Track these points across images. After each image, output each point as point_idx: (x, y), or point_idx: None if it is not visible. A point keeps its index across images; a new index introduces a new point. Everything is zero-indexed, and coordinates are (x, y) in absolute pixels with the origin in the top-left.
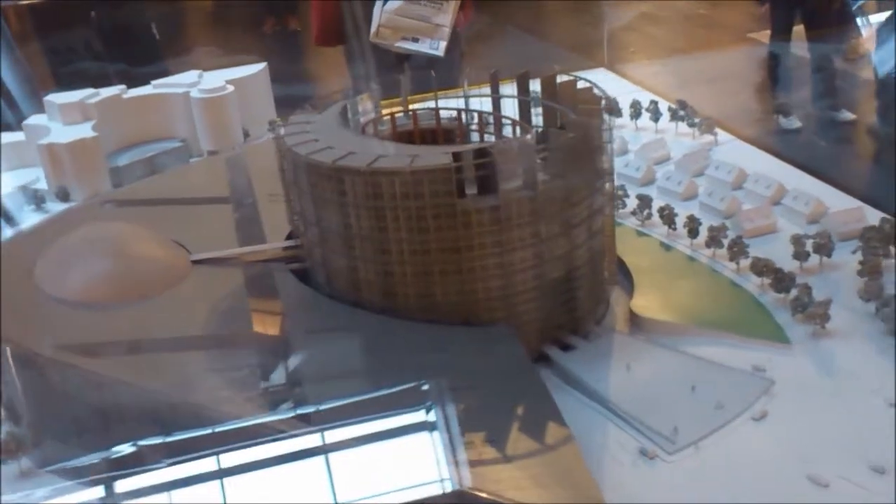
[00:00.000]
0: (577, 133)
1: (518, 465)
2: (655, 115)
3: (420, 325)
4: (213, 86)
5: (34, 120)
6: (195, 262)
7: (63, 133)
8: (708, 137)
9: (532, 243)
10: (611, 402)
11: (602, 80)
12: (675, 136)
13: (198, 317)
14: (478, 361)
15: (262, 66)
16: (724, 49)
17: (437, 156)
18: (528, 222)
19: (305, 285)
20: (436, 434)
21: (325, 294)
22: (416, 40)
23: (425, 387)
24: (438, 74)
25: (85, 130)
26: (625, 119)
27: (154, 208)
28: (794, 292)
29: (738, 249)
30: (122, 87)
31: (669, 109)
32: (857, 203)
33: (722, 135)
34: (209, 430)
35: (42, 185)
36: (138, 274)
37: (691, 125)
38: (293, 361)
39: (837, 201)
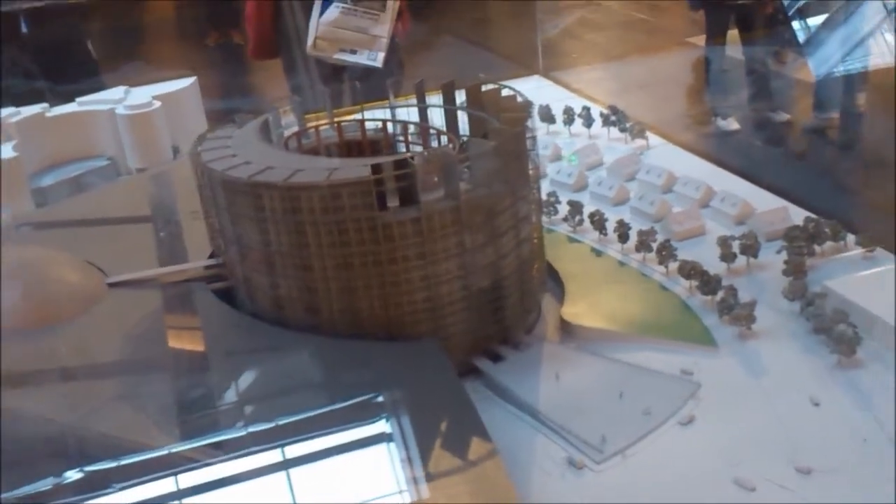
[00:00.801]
0: (499, 141)
1: (441, 482)
2: (588, 121)
3: (344, 342)
4: (139, 101)
5: None
6: (111, 285)
7: None
8: (640, 142)
9: (456, 254)
10: (539, 413)
11: (536, 87)
12: (607, 141)
13: (112, 342)
14: (403, 377)
15: (191, 80)
16: (662, 54)
17: (356, 168)
18: (451, 233)
19: (227, 304)
20: (392, 446)
21: (248, 313)
22: (353, 52)
23: (379, 399)
24: (378, 85)
25: (6, 151)
26: (558, 125)
27: (74, 230)
28: (720, 294)
29: (666, 253)
30: (45, 105)
31: (601, 115)
32: (782, 203)
33: (654, 139)
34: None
35: None
36: (48, 299)
37: (622, 130)
38: (211, 384)
39: (765, 202)
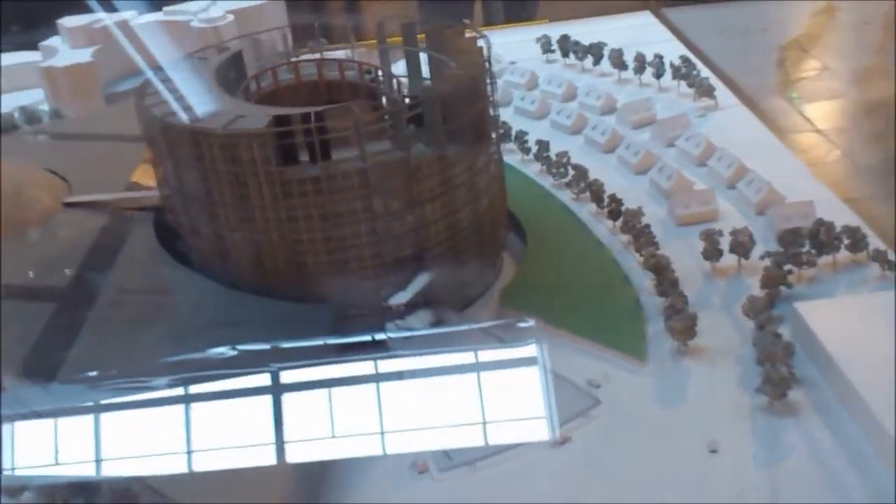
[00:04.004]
0: (449, 87)
1: None
2: (659, 72)
3: (236, 295)
4: (212, 15)
5: (51, 41)
6: (68, 205)
7: (65, 57)
8: (706, 101)
9: (365, 219)
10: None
11: (640, 25)
12: (676, 96)
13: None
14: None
15: None
16: None
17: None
18: (358, 196)
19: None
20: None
21: (174, 250)
22: None
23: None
24: (515, 6)
25: (84, 55)
26: (629, 73)
27: (93, 143)
28: (667, 300)
29: (644, 240)
30: (134, 12)
31: (671, 66)
32: (824, 196)
33: (729, 99)
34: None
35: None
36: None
37: (690, 86)
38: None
39: (805, 193)
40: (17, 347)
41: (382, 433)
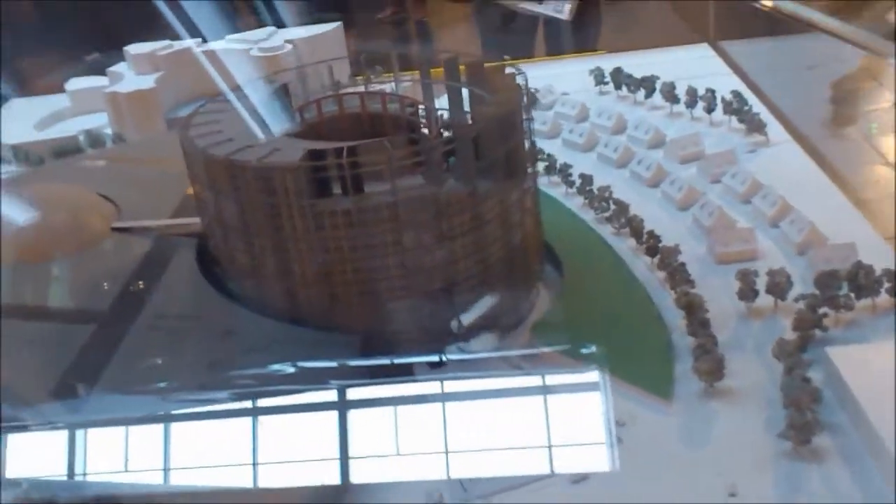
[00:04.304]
0: (480, 124)
1: None
2: (710, 106)
3: (268, 323)
4: (271, 45)
5: (118, 67)
6: (115, 230)
7: (129, 82)
8: (757, 137)
9: (395, 252)
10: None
11: (697, 58)
12: (727, 130)
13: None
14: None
15: (335, 25)
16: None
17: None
18: (388, 229)
19: (202, 267)
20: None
21: (214, 277)
22: (540, 1)
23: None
24: (576, 37)
25: (147, 82)
26: (680, 107)
27: (147, 168)
28: (696, 340)
29: (679, 278)
30: (198, 40)
31: (723, 100)
32: (869, 238)
33: (780, 134)
34: None
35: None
36: (43, 237)
37: (741, 121)
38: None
39: (850, 235)
40: (53, 368)
41: (446, 453)
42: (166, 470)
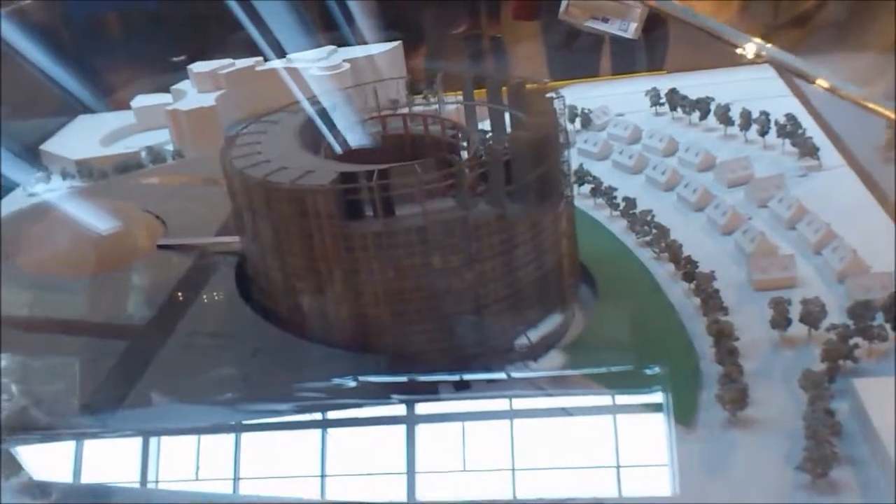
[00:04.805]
0: (513, 147)
1: None
2: (764, 129)
3: (299, 343)
4: (330, 63)
5: (181, 85)
6: (161, 247)
7: (191, 100)
8: (809, 161)
9: (425, 273)
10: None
11: (758, 78)
12: (781, 154)
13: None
14: None
15: (394, 44)
16: None
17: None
18: (418, 252)
19: (239, 285)
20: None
21: (250, 296)
22: (605, 20)
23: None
24: (642, 56)
25: (208, 100)
26: (734, 129)
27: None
28: (722, 368)
29: (712, 304)
30: (259, 59)
31: (776, 124)
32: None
33: (834, 159)
34: None
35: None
36: (87, 252)
37: (794, 145)
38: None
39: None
40: (87, 381)
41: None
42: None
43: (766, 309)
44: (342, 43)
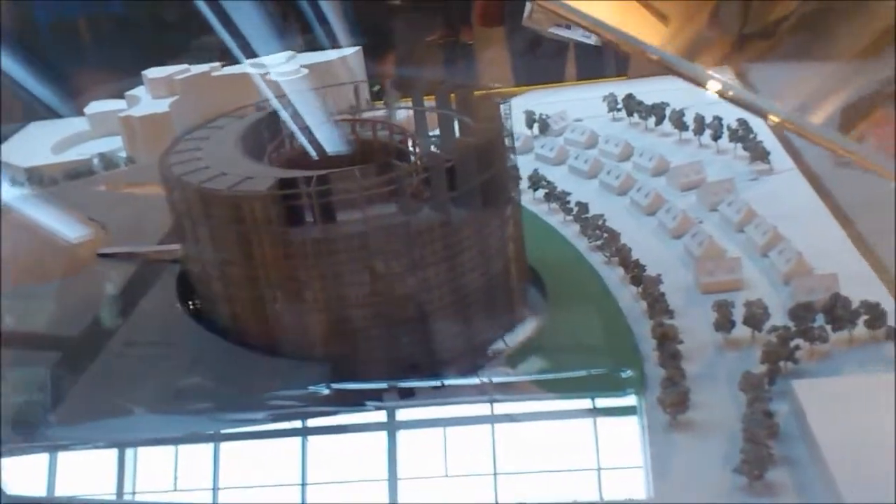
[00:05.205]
0: (459, 153)
1: None
2: (717, 133)
3: (238, 351)
4: (287, 69)
5: (136, 91)
6: (102, 255)
7: (145, 106)
8: (760, 166)
9: (365, 281)
10: None
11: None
12: (733, 158)
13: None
14: None
15: (354, 49)
16: None
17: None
18: (357, 258)
19: (181, 294)
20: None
21: (190, 304)
22: (568, 26)
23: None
24: (605, 62)
25: (161, 105)
26: (689, 134)
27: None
28: (665, 371)
29: (659, 308)
30: (216, 64)
31: (728, 129)
32: (854, 268)
33: (784, 162)
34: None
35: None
36: (27, 262)
37: (746, 149)
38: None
39: (837, 262)
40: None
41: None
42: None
43: (712, 312)
44: (316, 47)
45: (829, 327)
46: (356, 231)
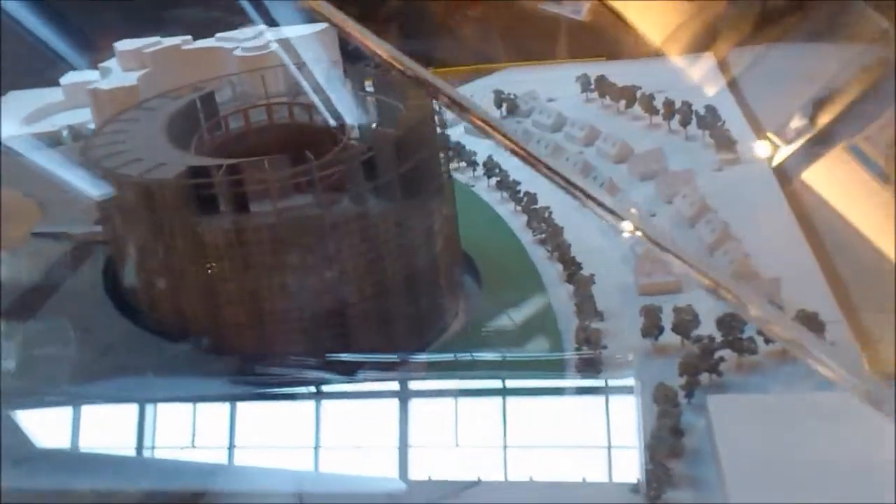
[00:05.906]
0: (379, 144)
1: None
2: (686, 119)
3: (148, 339)
4: (255, 44)
5: (107, 63)
6: (36, 235)
7: (114, 79)
8: (727, 155)
9: (278, 273)
10: None
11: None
12: (702, 146)
13: None
14: None
15: (324, 25)
16: None
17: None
18: (268, 250)
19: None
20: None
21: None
22: (558, 1)
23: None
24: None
25: (130, 78)
26: (658, 118)
27: None
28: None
29: (586, 310)
30: (187, 37)
31: (696, 115)
32: (797, 272)
33: (754, 151)
34: None
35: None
36: None
37: (712, 136)
38: None
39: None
40: None
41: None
42: None
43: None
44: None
45: (759, 339)
46: (266, 223)
